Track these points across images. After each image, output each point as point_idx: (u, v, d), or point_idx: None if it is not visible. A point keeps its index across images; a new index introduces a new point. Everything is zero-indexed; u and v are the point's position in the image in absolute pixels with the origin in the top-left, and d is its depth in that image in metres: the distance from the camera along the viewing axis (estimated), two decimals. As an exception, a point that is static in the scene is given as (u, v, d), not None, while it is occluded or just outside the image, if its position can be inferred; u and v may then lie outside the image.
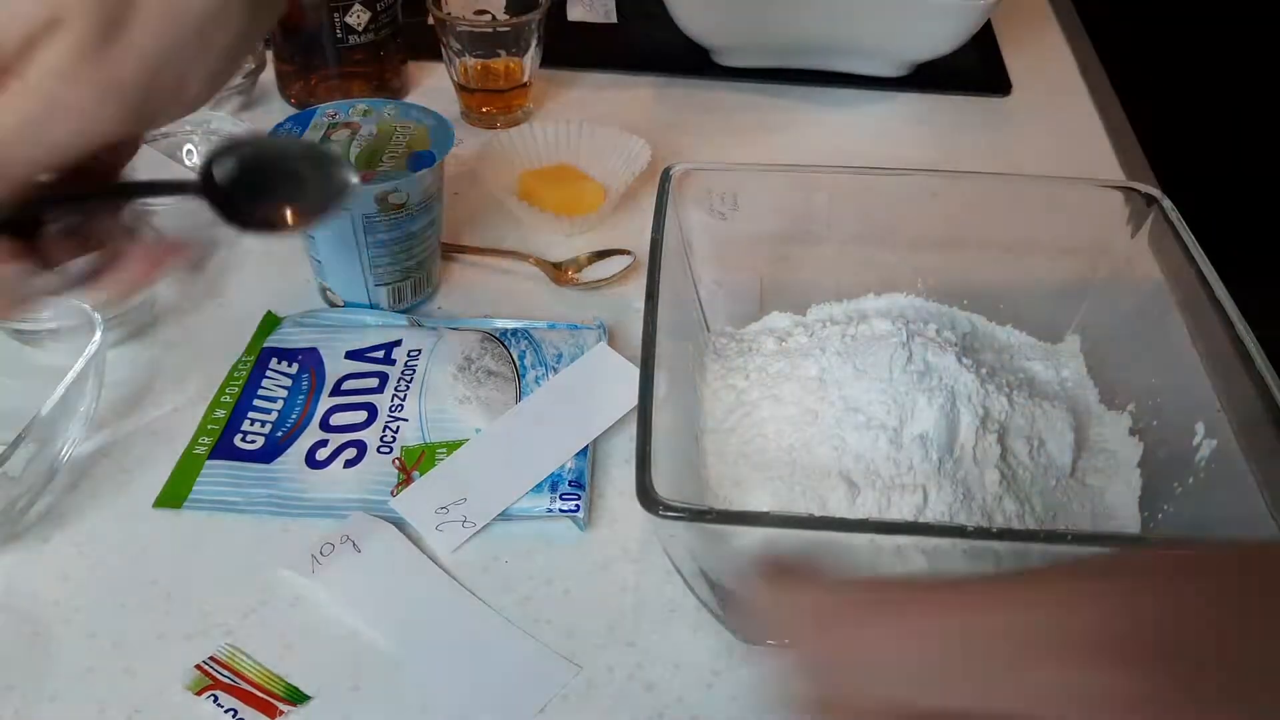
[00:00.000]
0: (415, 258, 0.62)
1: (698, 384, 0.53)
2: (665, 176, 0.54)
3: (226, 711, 0.43)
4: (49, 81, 0.35)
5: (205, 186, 0.41)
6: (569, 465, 0.53)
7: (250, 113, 0.82)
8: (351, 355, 0.59)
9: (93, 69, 0.36)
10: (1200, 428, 0.46)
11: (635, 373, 0.43)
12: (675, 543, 0.43)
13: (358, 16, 0.78)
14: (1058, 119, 0.86)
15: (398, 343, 0.59)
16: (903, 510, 0.46)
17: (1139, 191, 0.53)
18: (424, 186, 0.60)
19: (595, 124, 0.74)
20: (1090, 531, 0.47)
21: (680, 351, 0.51)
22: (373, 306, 0.63)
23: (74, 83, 0.36)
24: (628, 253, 0.67)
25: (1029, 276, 0.57)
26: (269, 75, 0.83)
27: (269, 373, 0.58)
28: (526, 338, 0.60)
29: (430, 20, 0.80)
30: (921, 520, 0.45)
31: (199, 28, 0.37)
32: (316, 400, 0.57)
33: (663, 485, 0.38)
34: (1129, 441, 0.51)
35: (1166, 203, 0.52)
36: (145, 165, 0.71)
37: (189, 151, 0.74)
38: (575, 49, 0.91)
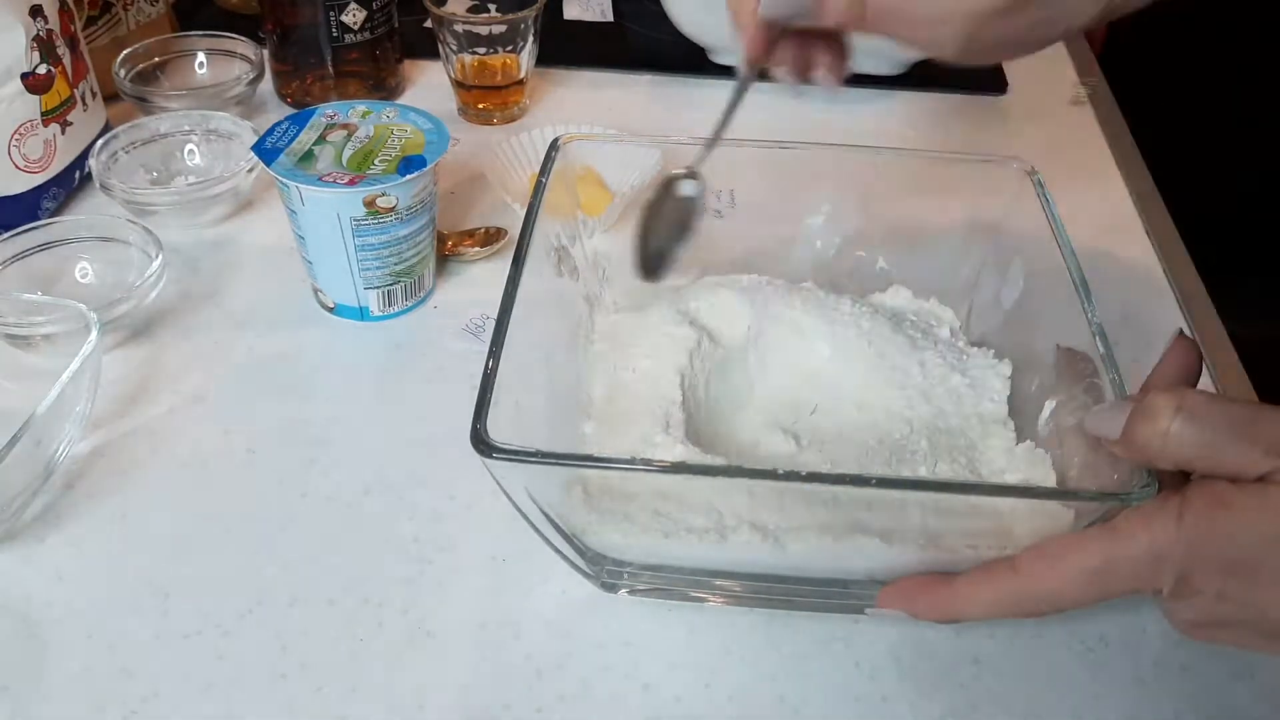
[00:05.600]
0: (405, 262, 0.62)
1: (582, 359, 0.55)
2: (553, 147, 0.55)
3: None
4: None
5: None
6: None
7: (248, 110, 0.82)
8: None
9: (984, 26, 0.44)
10: (1049, 405, 0.49)
11: None
12: (517, 488, 0.43)
13: (353, 15, 0.78)
14: (1053, 117, 0.86)
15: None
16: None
17: (1017, 165, 0.55)
18: (413, 191, 0.59)
19: (609, 129, 0.74)
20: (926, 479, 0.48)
21: (565, 325, 0.54)
22: (362, 310, 0.63)
23: None
24: None
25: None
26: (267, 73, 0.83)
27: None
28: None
29: (427, 19, 0.80)
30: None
31: None
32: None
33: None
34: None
35: (1038, 175, 0.54)
36: (145, 165, 0.71)
37: (190, 152, 0.74)
38: (571, 47, 0.91)
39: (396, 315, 0.64)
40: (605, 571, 0.47)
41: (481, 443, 0.40)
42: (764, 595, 0.48)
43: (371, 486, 0.54)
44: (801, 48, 0.49)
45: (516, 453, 0.40)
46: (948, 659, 0.47)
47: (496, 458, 0.39)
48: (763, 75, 0.49)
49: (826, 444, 0.51)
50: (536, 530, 0.44)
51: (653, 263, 0.52)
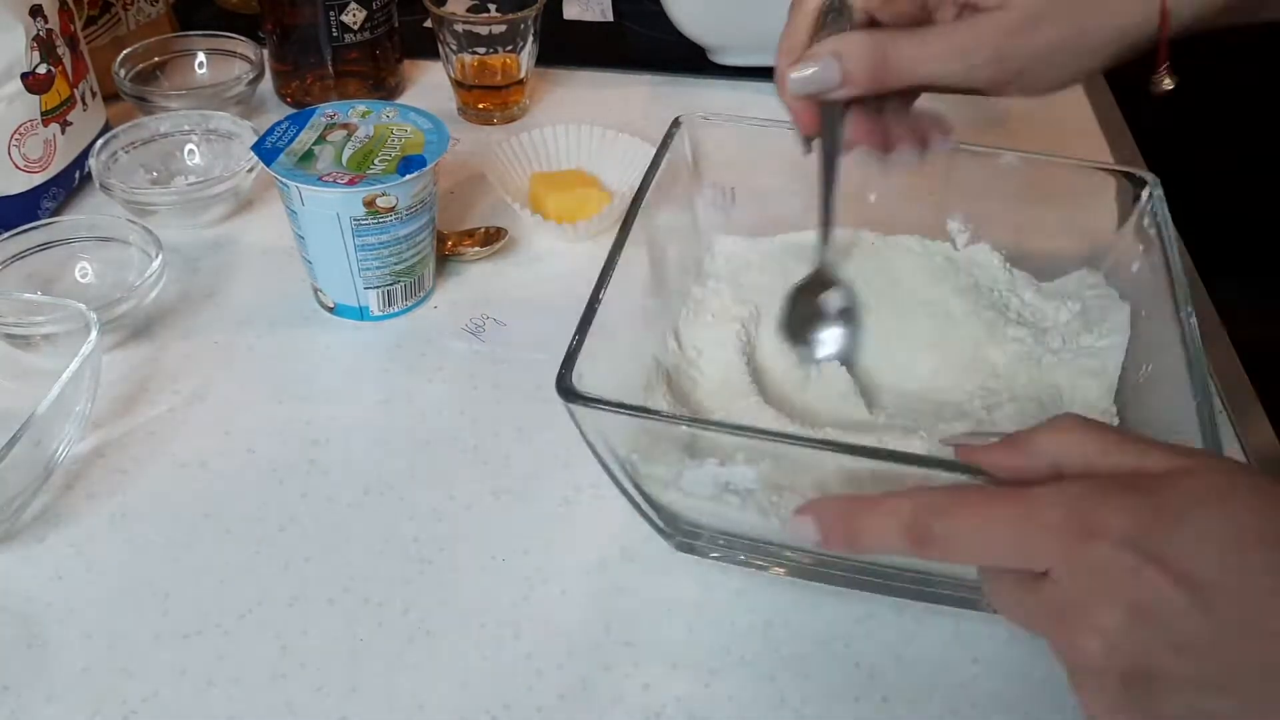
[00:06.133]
0: (405, 262, 0.62)
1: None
2: (675, 124, 0.56)
3: None
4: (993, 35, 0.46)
5: None
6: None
7: (248, 110, 0.82)
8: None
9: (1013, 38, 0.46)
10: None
11: None
12: (599, 438, 0.44)
13: (353, 15, 0.78)
14: (1052, 115, 0.85)
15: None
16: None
17: (1132, 175, 0.55)
18: (413, 191, 0.59)
19: (609, 129, 0.74)
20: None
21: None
22: (362, 310, 0.63)
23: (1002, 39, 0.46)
24: None
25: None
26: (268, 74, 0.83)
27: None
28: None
29: (427, 19, 0.80)
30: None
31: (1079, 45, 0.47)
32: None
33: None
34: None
35: (1157, 190, 0.54)
36: (145, 165, 0.71)
37: (190, 151, 0.74)
38: (571, 47, 0.91)
39: (396, 315, 0.64)
40: (680, 532, 0.48)
41: (566, 391, 0.42)
42: (821, 569, 0.48)
43: (371, 486, 0.54)
44: (874, 121, 0.50)
45: (601, 402, 0.42)
46: (948, 659, 0.47)
47: (576, 403, 0.42)
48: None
49: (900, 415, 0.52)
50: (617, 483, 0.47)
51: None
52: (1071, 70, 0.48)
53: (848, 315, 0.52)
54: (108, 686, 0.45)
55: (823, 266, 0.52)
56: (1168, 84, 0.49)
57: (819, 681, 0.46)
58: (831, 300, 0.52)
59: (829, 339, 0.52)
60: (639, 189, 0.53)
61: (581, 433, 0.44)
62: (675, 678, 0.46)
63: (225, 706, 0.44)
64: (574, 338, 0.44)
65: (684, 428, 0.45)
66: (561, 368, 0.43)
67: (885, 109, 0.50)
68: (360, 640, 0.47)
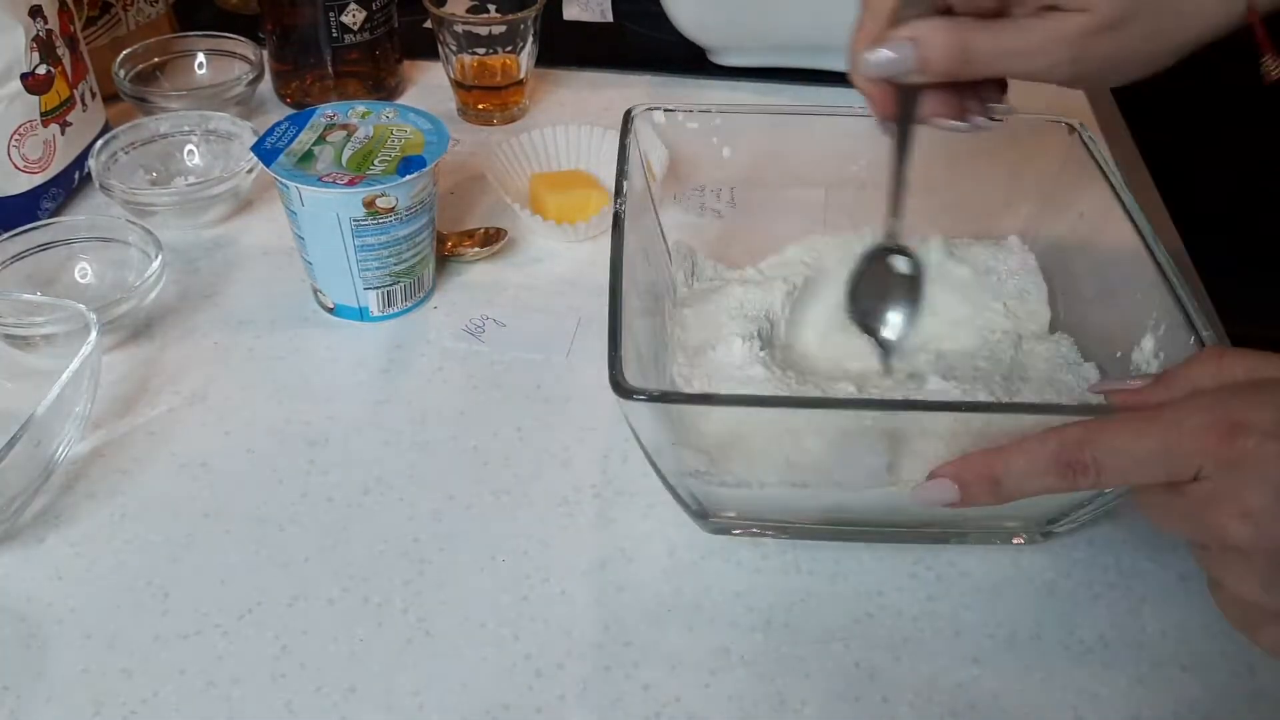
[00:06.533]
0: (405, 263, 0.62)
1: (669, 330, 0.57)
2: (628, 118, 0.57)
3: None
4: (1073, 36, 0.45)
5: None
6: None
7: (247, 110, 0.82)
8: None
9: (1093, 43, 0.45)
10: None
11: None
12: (646, 428, 0.46)
13: (353, 15, 0.78)
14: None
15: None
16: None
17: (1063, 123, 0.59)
18: (413, 192, 0.59)
19: (609, 129, 0.73)
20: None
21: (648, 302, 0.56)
22: (362, 310, 0.63)
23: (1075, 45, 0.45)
24: None
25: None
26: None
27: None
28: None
29: (427, 19, 0.80)
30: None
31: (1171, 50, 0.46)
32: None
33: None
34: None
35: (1086, 132, 0.58)
36: (144, 165, 0.72)
37: (190, 152, 0.74)
38: (572, 47, 0.91)
39: (396, 315, 0.64)
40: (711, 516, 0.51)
41: (620, 388, 0.43)
42: (835, 526, 0.51)
43: (371, 486, 0.54)
44: (951, 93, 0.50)
45: (652, 394, 0.43)
46: (948, 659, 0.47)
47: (636, 399, 0.42)
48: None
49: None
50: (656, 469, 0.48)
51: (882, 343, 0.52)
52: (1148, 69, 0.48)
53: (914, 284, 0.51)
54: (108, 686, 0.45)
55: (890, 237, 0.51)
56: (1275, 71, 0.49)
57: (819, 681, 0.46)
58: (899, 265, 0.51)
59: (893, 314, 0.52)
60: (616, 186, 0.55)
61: (633, 428, 0.46)
62: (675, 678, 0.46)
63: (225, 706, 0.44)
64: (611, 335, 0.45)
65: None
66: (611, 369, 0.43)
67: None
68: (360, 640, 0.47)
